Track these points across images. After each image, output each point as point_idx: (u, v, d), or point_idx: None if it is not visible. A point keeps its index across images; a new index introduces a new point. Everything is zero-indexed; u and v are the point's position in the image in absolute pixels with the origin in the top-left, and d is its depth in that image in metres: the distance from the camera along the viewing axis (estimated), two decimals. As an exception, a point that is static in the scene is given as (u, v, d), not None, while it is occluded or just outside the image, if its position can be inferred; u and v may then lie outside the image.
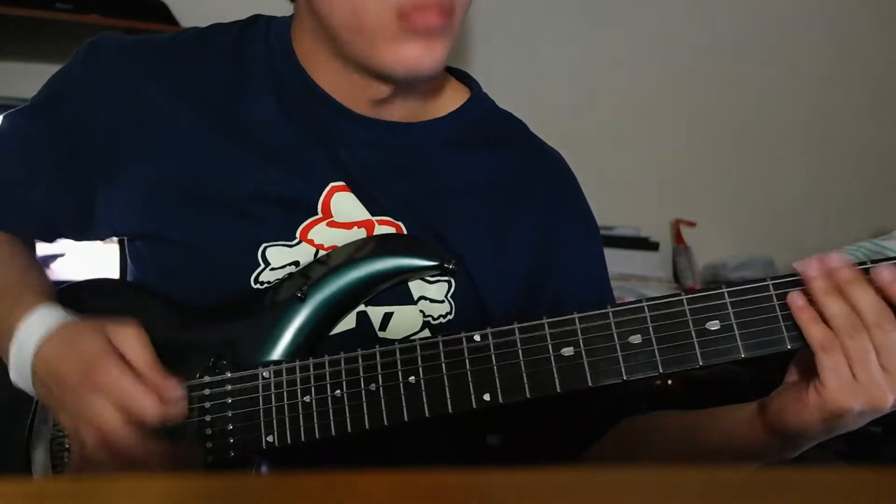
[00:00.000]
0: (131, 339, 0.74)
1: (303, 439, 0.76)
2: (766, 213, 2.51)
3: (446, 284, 0.86)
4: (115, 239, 0.97)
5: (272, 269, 0.83)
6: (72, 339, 0.75)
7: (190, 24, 0.94)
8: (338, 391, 0.76)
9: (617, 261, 2.24)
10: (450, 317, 0.85)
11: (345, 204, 0.85)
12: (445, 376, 0.73)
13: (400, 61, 0.78)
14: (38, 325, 0.76)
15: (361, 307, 0.84)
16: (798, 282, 0.68)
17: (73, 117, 0.86)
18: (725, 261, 2.37)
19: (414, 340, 0.75)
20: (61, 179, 0.87)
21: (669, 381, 1.56)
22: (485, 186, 0.89)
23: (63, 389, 0.73)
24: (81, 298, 0.85)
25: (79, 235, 0.93)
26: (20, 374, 0.77)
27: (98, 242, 1.80)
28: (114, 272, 1.82)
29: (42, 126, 0.87)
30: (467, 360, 0.73)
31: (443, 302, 0.85)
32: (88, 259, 1.82)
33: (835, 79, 2.55)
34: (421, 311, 0.84)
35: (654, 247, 2.34)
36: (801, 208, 2.53)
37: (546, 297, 0.89)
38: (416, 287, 0.85)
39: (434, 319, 0.85)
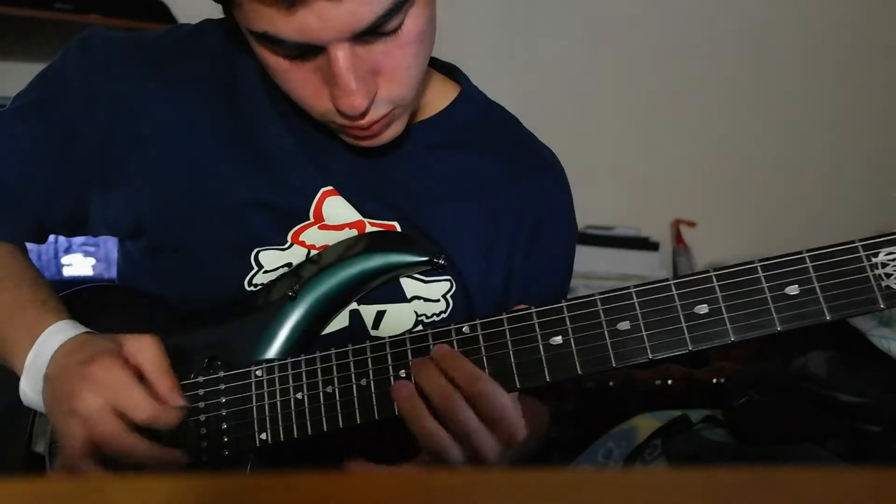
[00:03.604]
0: (146, 344, 0.73)
1: (295, 436, 0.76)
2: (766, 213, 2.52)
3: (447, 283, 0.86)
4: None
5: (265, 271, 0.84)
6: (86, 343, 0.75)
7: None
8: (329, 387, 0.76)
9: (617, 261, 2.24)
10: (443, 315, 0.85)
11: (336, 208, 0.85)
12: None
13: (353, 143, 0.81)
14: (61, 333, 0.76)
15: (354, 305, 0.84)
16: (787, 262, 0.68)
17: (70, 116, 0.84)
18: (725, 261, 2.37)
19: (404, 334, 0.75)
20: (58, 181, 0.85)
21: (670, 381, 1.56)
22: (473, 188, 0.89)
23: (61, 382, 0.72)
24: (76, 306, 0.85)
25: (71, 233, 0.92)
26: (31, 380, 0.76)
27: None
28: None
29: (37, 127, 0.85)
30: None
31: (438, 301, 0.85)
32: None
33: (836, 79, 2.55)
34: (414, 311, 0.85)
35: (654, 247, 2.34)
36: (801, 208, 2.53)
37: (515, 290, 0.89)
38: (411, 287, 0.85)
39: (427, 318, 0.85)
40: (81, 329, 0.77)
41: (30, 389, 0.76)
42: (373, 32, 0.71)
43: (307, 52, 0.72)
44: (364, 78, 0.73)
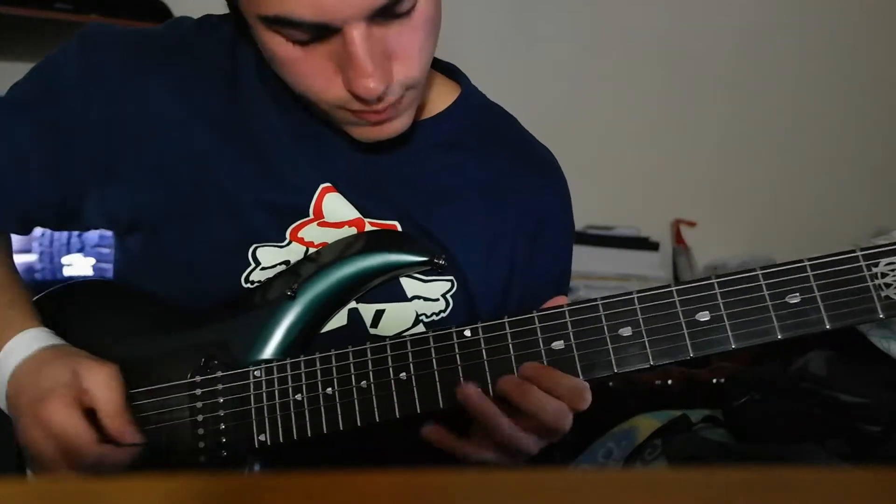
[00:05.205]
0: (101, 380, 0.75)
1: (295, 438, 0.76)
2: (766, 213, 2.51)
3: (448, 283, 0.85)
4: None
5: (263, 268, 0.83)
6: (43, 366, 0.76)
7: (190, 25, 0.92)
8: (329, 389, 0.75)
9: (617, 261, 2.24)
10: (443, 315, 0.85)
11: (335, 205, 0.85)
12: (436, 372, 0.73)
13: (361, 136, 0.80)
14: (22, 348, 0.78)
15: (353, 304, 0.83)
16: (788, 271, 0.68)
17: (69, 112, 0.83)
18: (725, 261, 2.37)
19: (405, 337, 0.75)
20: (52, 176, 0.84)
21: (669, 381, 1.56)
22: (475, 188, 0.89)
23: (18, 414, 0.76)
24: (72, 300, 0.84)
25: (59, 226, 0.91)
26: None
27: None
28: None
29: (33, 125, 0.84)
30: (458, 356, 0.73)
31: (438, 300, 0.85)
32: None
33: (835, 79, 2.55)
34: (415, 310, 0.84)
35: (654, 247, 2.34)
36: (801, 208, 2.53)
37: (514, 293, 0.89)
38: (412, 286, 0.85)
39: (427, 317, 0.85)
40: (47, 342, 0.78)
41: None
42: (388, 12, 0.71)
43: (321, 34, 0.71)
44: (380, 61, 0.72)
